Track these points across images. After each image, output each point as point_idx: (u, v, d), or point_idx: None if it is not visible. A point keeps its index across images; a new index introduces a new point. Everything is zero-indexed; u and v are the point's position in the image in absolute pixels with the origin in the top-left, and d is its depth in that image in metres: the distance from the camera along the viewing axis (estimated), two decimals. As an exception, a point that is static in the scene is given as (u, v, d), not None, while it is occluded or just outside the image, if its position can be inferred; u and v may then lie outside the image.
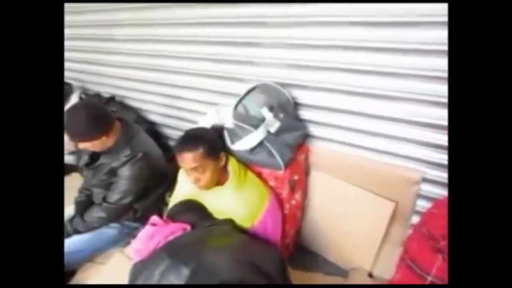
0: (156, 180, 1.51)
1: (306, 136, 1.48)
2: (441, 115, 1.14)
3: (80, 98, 2.14)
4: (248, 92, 1.33)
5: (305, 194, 1.52)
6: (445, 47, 1.03)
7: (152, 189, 1.51)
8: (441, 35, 1.02)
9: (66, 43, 2.38)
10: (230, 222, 1.12)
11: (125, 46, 2.11)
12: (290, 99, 1.41)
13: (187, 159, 1.11)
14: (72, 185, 1.71)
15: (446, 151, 1.18)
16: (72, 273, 1.45)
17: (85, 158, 1.50)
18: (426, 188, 1.29)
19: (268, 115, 1.28)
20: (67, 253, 1.34)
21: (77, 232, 1.44)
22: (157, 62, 1.99)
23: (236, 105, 1.29)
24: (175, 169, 1.39)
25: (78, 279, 1.43)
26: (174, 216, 1.14)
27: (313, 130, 1.49)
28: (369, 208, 1.37)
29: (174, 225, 1.06)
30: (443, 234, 0.90)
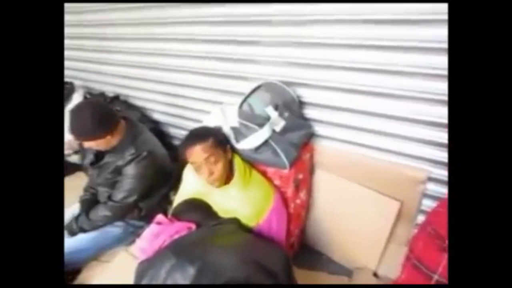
0: (161, 179, 1.51)
1: (311, 135, 1.47)
2: (445, 114, 1.13)
3: (85, 98, 2.14)
4: (253, 90, 1.33)
5: (309, 193, 1.52)
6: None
7: (156, 188, 1.52)
8: (444, 33, 1.01)
9: (67, 42, 2.40)
10: (235, 221, 1.12)
11: (129, 44, 2.11)
12: (295, 97, 1.40)
13: (198, 151, 1.11)
14: (77, 184, 1.72)
15: (450, 150, 1.17)
16: (77, 271, 1.46)
17: (90, 157, 1.51)
18: (432, 187, 1.28)
19: (273, 113, 1.27)
20: (72, 251, 1.36)
21: (83, 230, 1.45)
22: (158, 61, 1.99)
23: (241, 104, 1.29)
24: (180, 168, 1.40)
25: (83, 278, 1.44)
26: (179, 214, 1.14)
27: (318, 129, 1.48)
28: (374, 207, 1.36)
29: (179, 223, 1.06)
30: (449, 233, 0.90)
